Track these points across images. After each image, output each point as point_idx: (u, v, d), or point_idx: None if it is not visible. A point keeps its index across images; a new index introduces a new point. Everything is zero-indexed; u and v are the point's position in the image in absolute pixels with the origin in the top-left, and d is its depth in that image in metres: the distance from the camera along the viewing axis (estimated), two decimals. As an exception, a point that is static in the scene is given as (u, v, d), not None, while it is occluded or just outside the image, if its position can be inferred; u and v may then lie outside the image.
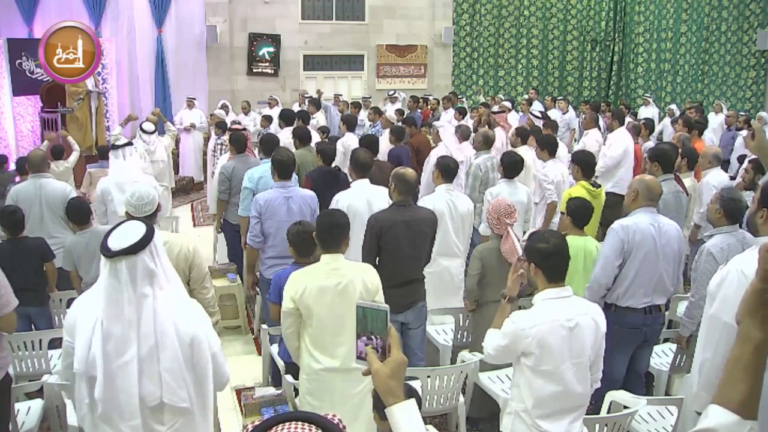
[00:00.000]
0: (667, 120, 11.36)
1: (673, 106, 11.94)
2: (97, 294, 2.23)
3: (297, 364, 3.31)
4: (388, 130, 7.97)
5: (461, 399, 3.77)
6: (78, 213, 4.52)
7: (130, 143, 5.98)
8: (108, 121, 11.03)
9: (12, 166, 8.02)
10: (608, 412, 3.36)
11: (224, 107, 10.65)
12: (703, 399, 2.63)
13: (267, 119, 9.46)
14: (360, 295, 3.08)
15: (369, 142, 6.05)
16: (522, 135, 6.85)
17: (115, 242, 2.19)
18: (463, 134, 7.31)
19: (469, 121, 9.60)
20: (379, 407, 2.51)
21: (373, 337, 1.51)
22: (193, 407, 2.29)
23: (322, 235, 3.19)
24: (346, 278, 3.09)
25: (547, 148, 5.99)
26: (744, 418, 1.23)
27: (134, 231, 2.23)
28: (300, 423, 1.30)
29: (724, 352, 2.52)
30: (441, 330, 4.60)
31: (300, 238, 3.63)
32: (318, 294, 3.04)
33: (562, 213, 4.46)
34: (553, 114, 10.55)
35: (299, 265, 3.63)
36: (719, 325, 2.57)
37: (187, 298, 2.40)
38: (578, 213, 4.15)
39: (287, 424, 1.29)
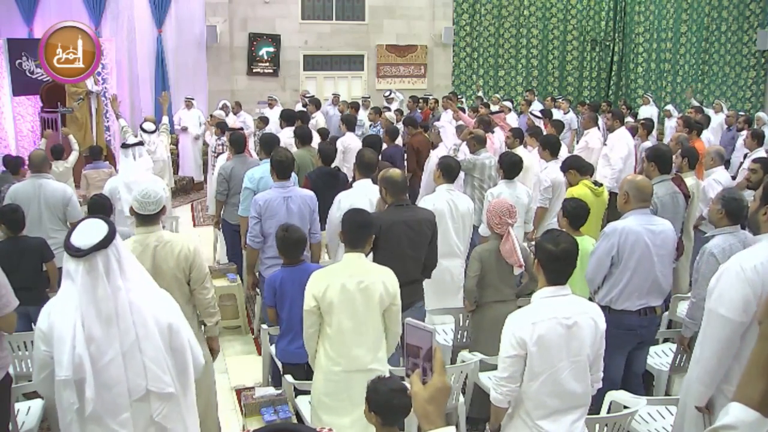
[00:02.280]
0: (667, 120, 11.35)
1: (670, 107, 11.90)
2: (69, 297, 2.22)
3: (311, 365, 3.28)
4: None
5: (461, 399, 3.77)
6: (101, 209, 4.55)
7: (141, 143, 5.91)
8: (108, 121, 11.01)
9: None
10: (608, 412, 3.36)
11: (224, 108, 10.63)
12: (697, 391, 2.62)
13: (263, 120, 9.44)
14: (380, 297, 3.09)
15: (372, 143, 6.04)
16: (518, 136, 6.84)
17: (83, 241, 2.19)
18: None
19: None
20: (370, 401, 2.49)
21: (418, 356, 1.48)
22: (177, 392, 2.32)
23: (349, 234, 3.16)
24: (368, 279, 3.08)
25: (549, 147, 5.90)
26: (764, 416, 1.25)
27: (97, 228, 2.24)
28: None
29: (718, 343, 2.52)
30: (441, 330, 4.59)
31: (285, 244, 3.66)
32: (341, 292, 3.04)
33: None
34: (554, 115, 10.55)
35: (289, 266, 3.69)
36: (714, 317, 2.55)
37: (156, 287, 2.42)
38: (574, 214, 4.14)
39: None
